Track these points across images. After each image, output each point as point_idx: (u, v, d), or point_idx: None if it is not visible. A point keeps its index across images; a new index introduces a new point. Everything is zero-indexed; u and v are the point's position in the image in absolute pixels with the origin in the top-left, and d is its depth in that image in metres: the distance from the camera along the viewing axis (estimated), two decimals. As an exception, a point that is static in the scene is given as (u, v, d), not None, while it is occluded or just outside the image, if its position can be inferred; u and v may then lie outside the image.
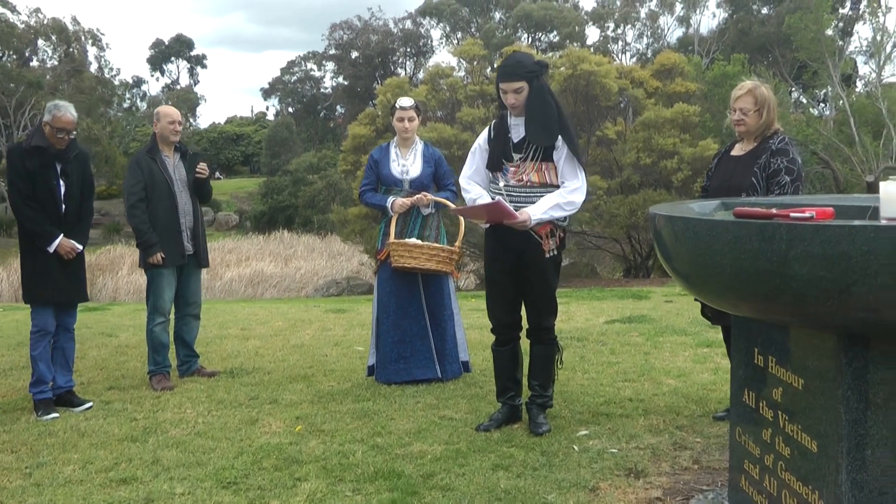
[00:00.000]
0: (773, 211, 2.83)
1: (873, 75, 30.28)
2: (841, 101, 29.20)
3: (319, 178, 45.49)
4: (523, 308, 5.32)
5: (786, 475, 3.28)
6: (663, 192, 20.87)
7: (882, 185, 2.70)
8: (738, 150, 5.28)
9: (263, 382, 6.73)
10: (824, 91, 35.39)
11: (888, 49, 29.04)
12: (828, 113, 34.73)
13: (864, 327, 2.71)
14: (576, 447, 4.88)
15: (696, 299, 5.46)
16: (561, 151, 5.05)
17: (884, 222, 2.61)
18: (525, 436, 5.13)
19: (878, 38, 28.88)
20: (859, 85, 36.79)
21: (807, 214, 2.66)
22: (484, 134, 5.33)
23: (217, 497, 4.22)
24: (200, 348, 7.30)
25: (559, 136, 5.03)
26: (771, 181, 4.95)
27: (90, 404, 6.12)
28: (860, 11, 44.11)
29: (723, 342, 7.76)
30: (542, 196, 5.03)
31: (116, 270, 28.09)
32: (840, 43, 30.32)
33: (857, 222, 2.68)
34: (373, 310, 6.81)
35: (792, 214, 2.69)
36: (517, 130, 5.11)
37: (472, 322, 9.25)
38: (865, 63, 38.12)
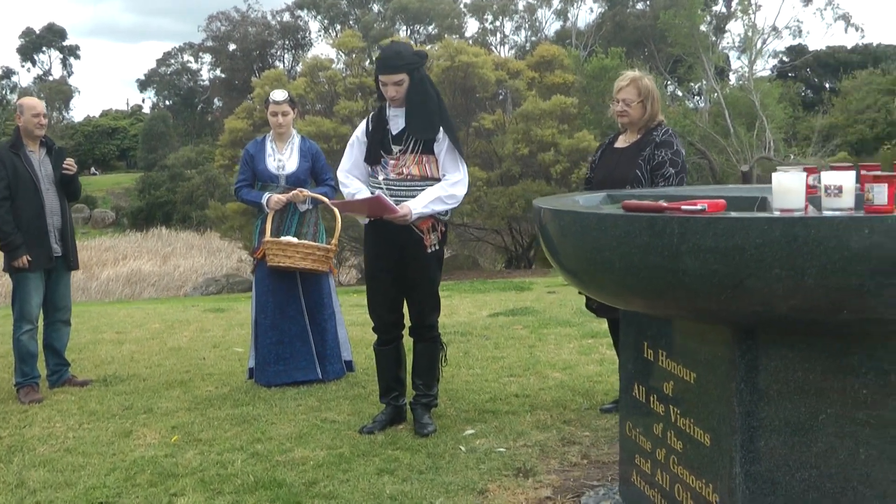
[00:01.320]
0: (664, 204, 2.75)
1: (745, 70, 31.29)
2: (715, 95, 30.05)
3: (197, 172, 44.51)
4: (405, 305, 5.18)
5: (678, 469, 3.23)
6: (542, 184, 21.06)
7: (774, 176, 2.65)
8: (621, 142, 5.23)
9: (138, 390, 6.39)
10: (698, 84, 36.37)
11: (758, 45, 30.07)
12: (702, 105, 35.72)
13: (757, 320, 2.66)
14: (462, 447, 4.76)
15: (580, 292, 5.42)
16: (442, 144, 4.91)
17: (777, 214, 2.54)
18: (410, 437, 4.98)
19: (749, 34, 29.87)
20: (732, 79, 37.97)
21: (698, 207, 2.58)
22: (362, 126, 5.15)
23: (85, 519, 3.95)
24: (72, 355, 6.91)
25: (440, 128, 4.89)
26: (655, 173, 4.91)
27: (-53, 421, 5.71)
28: (731, 9, 45.57)
29: (607, 333, 7.81)
30: (422, 189, 4.88)
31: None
32: (713, 38, 31.22)
33: (750, 214, 2.62)
34: (251, 310, 6.56)
35: (683, 207, 2.60)
36: (396, 122, 4.95)
37: (353, 319, 9.05)
38: (738, 58, 39.35)
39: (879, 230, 2.35)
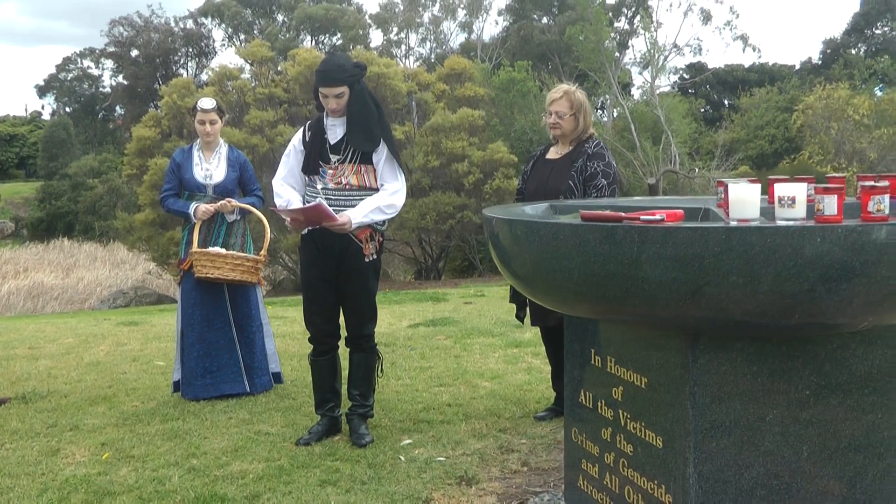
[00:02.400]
0: (622, 214, 2.82)
1: (647, 85, 31.99)
2: (620, 109, 30.64)
3: (100, 182, 43.45)
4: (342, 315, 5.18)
5: (629, 471, 3.30)
6: (453, 195, 21.19)
7: (731, 187, 2.75)
8: (553, 154, 5.32)
9: (61, 407, 6.21)
10: (602, 99, 37.07)
11: (660, 62, 30.81)
12: (605, 119, 36.39)
13: (712, 325, 2.75)
14: (402, 457, 4.78)
15: (511, 300, 5.49)
16: (381, 153, 4.93)
17: (733, 224, 2.64)
18: (348, 448, 4.97)
19: (651, 51, 30.59)
20: (636, 94, 38.83)
21: (657, 217, 2.65)
22: (298, 135, 5.13)
23: (21, 539, 3.84)
24: (-17, 372, 6.70)
25: (380, 139, 4.92)
26: (588, 184, 5.02)
27: None
28: (634, 26, 46.57)
29: (531, 342, 7.92)
30: (361, 199, 4.89)
31: None
32: (617, 55, 31.88)
33: (708, 224, 2.71)
34: (177, 322, 6.46)
35: (642, 217, 2.68)
36: (335, 131, 4.95)
37: (274, 330, 8.97)
38: (640, 73, 40.28)
39: (830, 239, 2.47)
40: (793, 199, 2.61)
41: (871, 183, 2.64)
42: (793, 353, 2.96)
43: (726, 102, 55.13)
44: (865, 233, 2.48)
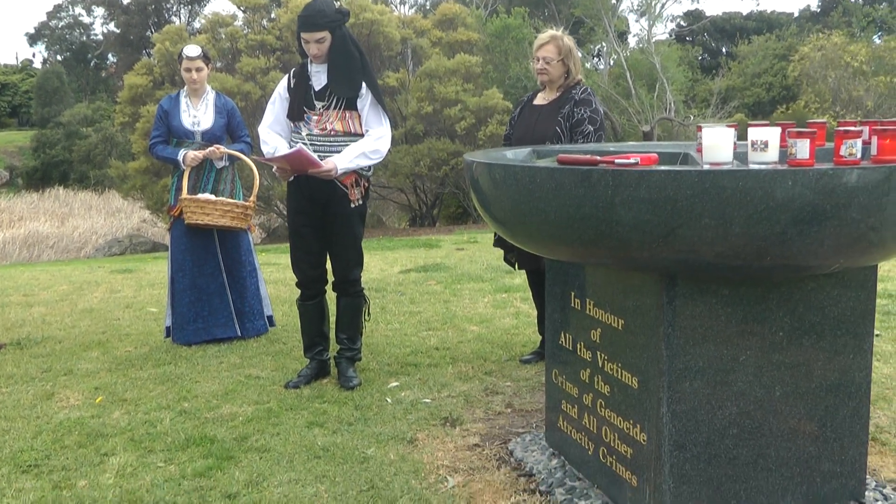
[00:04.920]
0: (597, 158, 2.85)
1: (644, 33, 31.77)
2: (616, 56, 30.45)
3: (94, 131, 43.22)
4: (328, 260, 5.22)
5: (606, 412, 3.37)
6: (447, 141, 21.14)
7: (704, 131, 2.78)
8: (540, 100, 5.33)
9: (55, 352, 6.29)
10: (598, 46, 36.79)
11: (657, 9, 30.57)
12: (602, 67, 36.15)
13: (686, 267, 2.79)
14: (389, 399, 4.85)
15: (495, 245, 5.54)
16: (365, 99, 4.95)
17: (706, 167, 2.67)
18: (336, 391, 5.05)
19: (648, -2, 30.37)
20: (633, 41, 38.51)
21: (631, 160, 2.69)
22: (283, 82, 5.14)
23: (18, 483, 3.88)
24: (-22, 318, 6.76)
25: (363, 84, 4.92)
26: (575, 130, 5.04)
27: None
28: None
29: (519, 287, 7.98)
30: (346, 145, 4.92)
31: None
32: (613, 1, 31.57)
33: (681, 168, 2.74)
34: (167, 268, 6.51)
35: (617, 161, 2.71)
36: (318, 78, 4.96)
37: (266, 277, 9.03)
38: (637, 21, 39.93)
39: (801, 182, 2.50)
40: (766, 144, 2.65)
41: (845, 128, 2.67)
42: (767, 296, 3.02)
43: (724, 50, 54.73)
44: (836, 176, 2.51)
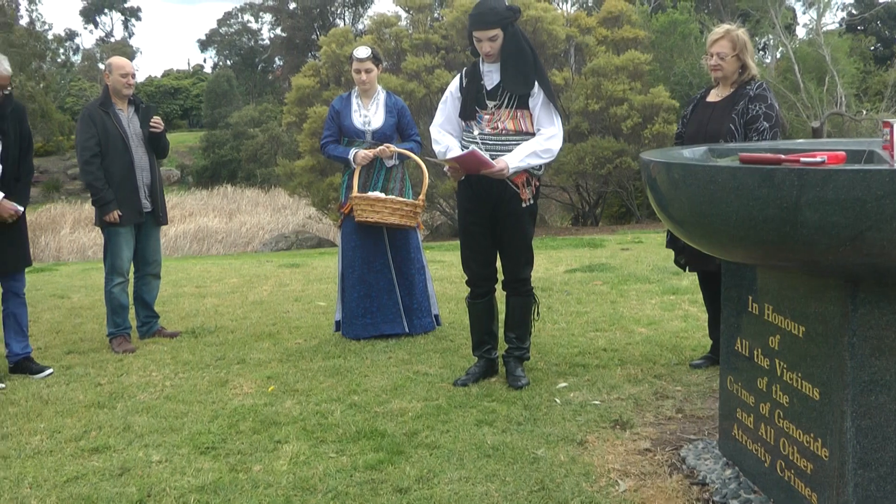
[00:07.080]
0: (782, 156, 2.76)
1: (813, 24, 30.55)
2: (783, 49, 29.41)
3: (261, 131, 44.82)
4: (498, 259, 5.24)
5: (784, 423, 3.25)
6: (612, 140, 20.89)
7: (897, 128, 2.64)
8: (714, 97, 5.19)
9: (228, 342, 6.57)
10: (764, 39, 35.59)
11: (826, -2, 29.36)
12: (768, 60, 34.96)
13: (874, 272, 2.66)
14: (557, 400, 4.84)
15: (667, 246, 5.43)
16: (537, 98, 4.93)
17: (899, 166, 2.54)
18: (504, 390, 5.07)
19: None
20: (800, 32, 37.11)
21: (818, 159, 2.58)
22: (455, 82, 5.18)
23: (197, 464, 4.08)
24: (156, 308, 7.09)
25: (535, 83, 4.91)
26: (749, 127, 4.89)
27: (51, 370, 5.89)
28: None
29: (688, 289, 7.81)
30: (517, 144, 4.92)
31: (58, 229, 27.59)
32: (781, -8, 30.47)
33: (871, 167, 2.61)
34: (338, 264, 6.68)
35: (802, 159, 2.61)
36: (490, 77, 4.98)
37: (431, 275, 9.13)
38: (804, 12, 38.43)
39: None
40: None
41: None
42: (963, 303, 2.85)
43: (899, 39, 52.06)
44: None
